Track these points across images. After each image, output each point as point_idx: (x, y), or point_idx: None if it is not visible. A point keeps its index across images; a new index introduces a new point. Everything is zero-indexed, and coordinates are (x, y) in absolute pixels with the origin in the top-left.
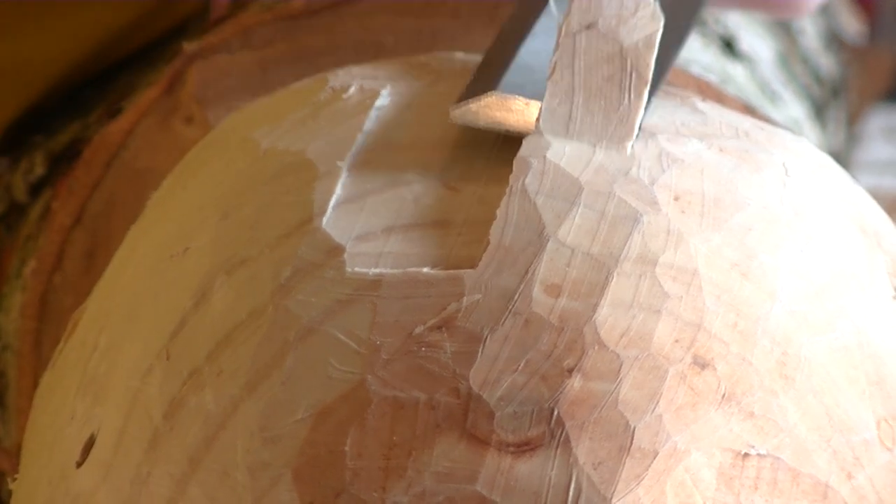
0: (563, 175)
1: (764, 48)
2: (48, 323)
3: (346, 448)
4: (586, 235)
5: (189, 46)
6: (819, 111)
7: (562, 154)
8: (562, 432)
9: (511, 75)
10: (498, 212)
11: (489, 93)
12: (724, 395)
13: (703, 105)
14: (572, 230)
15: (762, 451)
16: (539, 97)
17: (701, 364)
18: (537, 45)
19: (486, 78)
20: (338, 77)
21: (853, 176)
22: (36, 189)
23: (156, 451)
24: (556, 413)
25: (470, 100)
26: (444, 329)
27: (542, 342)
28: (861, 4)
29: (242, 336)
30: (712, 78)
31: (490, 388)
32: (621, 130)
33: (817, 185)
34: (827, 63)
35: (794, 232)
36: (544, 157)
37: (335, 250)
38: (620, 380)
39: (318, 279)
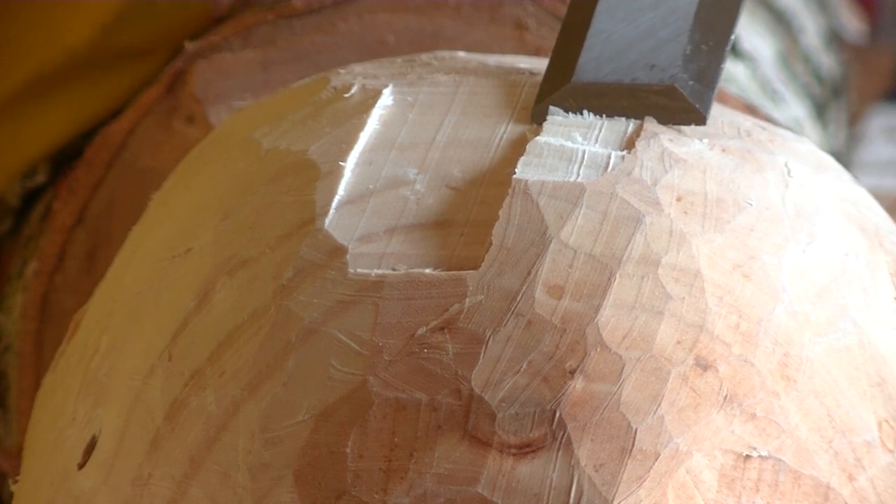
0: None
1: (765, 47)
2: (49, 324)
3: (348, 449)
4: (589, 236)
5: (190, 45)
6: (820, 111)
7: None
8: (563, 434)
9: (586, 57)
10: (500, 212)
11: (565, 86)
12: (725, 397)
13: None
14: (575, 231)
15: (763, 453)
16: (622, 74)
17: (703, 365)
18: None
19: (562, 63)
20: (339, 76)
21: (854, 176)
22: (32, 196)
23: (157, 451)
24: (557, 415)
25: (547, 98)
26: (446, 330)
27: (544, 343)
28: (862, 4)
29: (244, 337)
30: None
31: (492, 390)
32: None
33: (819, 185)
34: (828, 62)
35: (796, 232)
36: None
37: (337, 251)
38: (622, 381)
39: (319, 280)
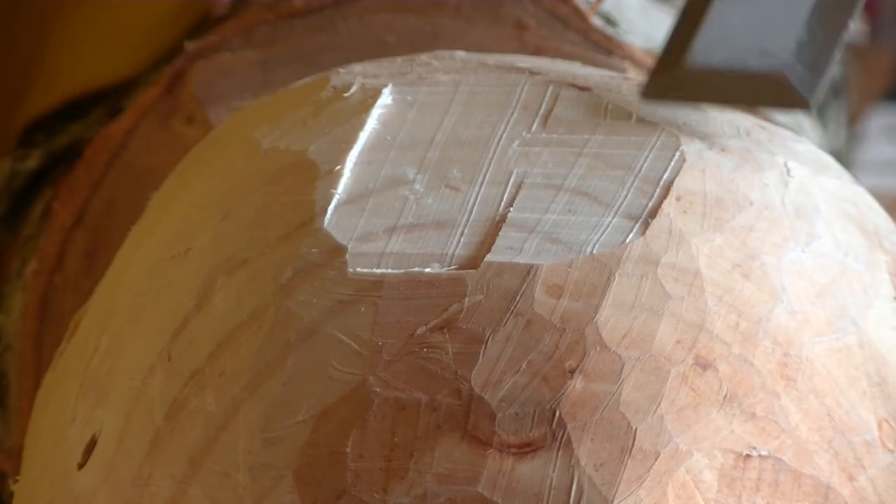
0: None
1: None
2: (49, 323)
3: (348, 449)
4: None
5: (190, 45)
6: (820, 110)
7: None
8: (563, 433)
9: (700, 41)
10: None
11: (674, 69)
12: (725, 397)
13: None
14: None
15: (764, 453)
16: (733, 59)
17: (702, 365)
18: None
19: (676, 47)
20: (339, 76)
21: (854, 176)
22: (28, 192)
23: (157, 451)
24: (557, 414)
25: (655, 78)
26: (445, 330)
27: (543, 343)
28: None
29: (244, 337)
30: None
31: (492, 390)
32: None
33: (819, 185)
34: None
35: (795, 232)
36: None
37: (337, 251)
38: (622, 381)
39: (319, 280)
